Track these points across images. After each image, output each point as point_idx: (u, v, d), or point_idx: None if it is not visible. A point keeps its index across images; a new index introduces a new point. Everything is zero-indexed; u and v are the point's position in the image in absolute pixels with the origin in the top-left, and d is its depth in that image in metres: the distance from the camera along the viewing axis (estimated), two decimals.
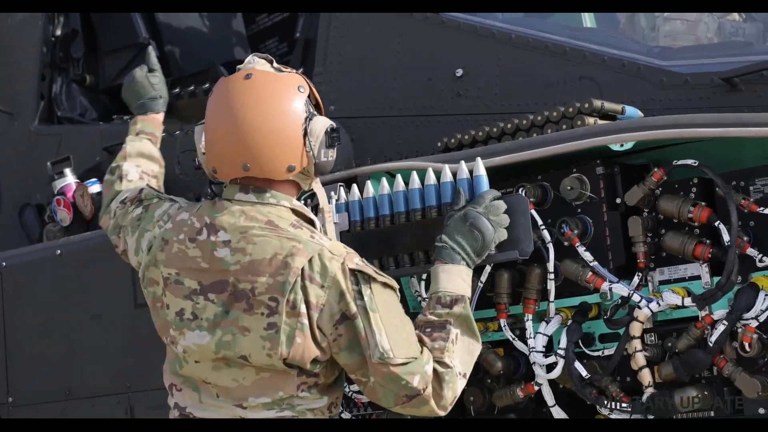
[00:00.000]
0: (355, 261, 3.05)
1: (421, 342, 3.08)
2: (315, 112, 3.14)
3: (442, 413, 3.08)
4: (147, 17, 5.75)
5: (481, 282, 3.43)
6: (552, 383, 3.43)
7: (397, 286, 3.11)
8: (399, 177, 3.46)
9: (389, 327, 3.01)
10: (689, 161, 3.25)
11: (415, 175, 3.45)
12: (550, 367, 3.39)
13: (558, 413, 3.43)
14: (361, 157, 4.32)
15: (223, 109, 3.10)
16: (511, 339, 3.45)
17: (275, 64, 3.18)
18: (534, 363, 3.41)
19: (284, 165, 3.07)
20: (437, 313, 3.12)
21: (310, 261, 2.99)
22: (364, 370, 3.04)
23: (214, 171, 3.16)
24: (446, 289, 3.15)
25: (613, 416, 3.31)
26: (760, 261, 3.18)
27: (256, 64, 3.15)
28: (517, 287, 3.45)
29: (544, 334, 3.40)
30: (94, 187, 5.04)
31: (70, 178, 5.12)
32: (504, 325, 3.45)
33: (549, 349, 3.41)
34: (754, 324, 3.16)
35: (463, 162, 3.34)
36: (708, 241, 3.23)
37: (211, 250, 3.06)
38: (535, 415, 3.55)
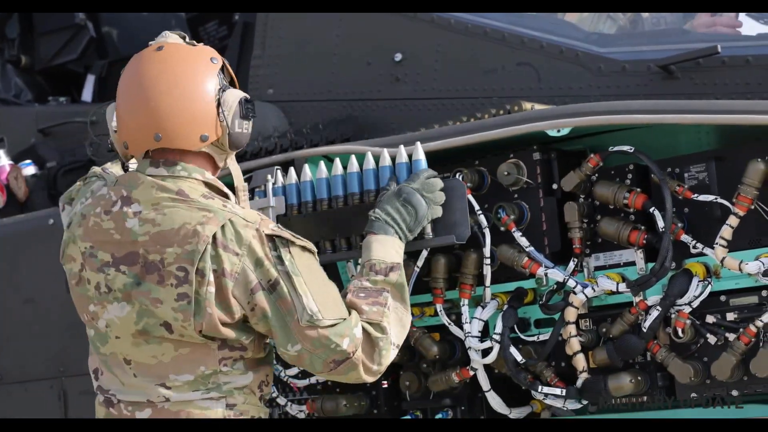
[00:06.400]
0: (270, 227, 3.00)
1: (353, 306, 3.04)
2: (228, 86, 3.07)
3: (370, 379, 3.04)
4: None
5: (418, 266, 3.42)
6: (487, 368, 3.44)
7: (315, 249, 3.07)
8: (338, 160, 3.45)
9: (314, 289, 2.97)
10: (625, 147, 3.26)
11: (353, 159, 3.43)
12: (485, 352, 3.39)
13: (493, 398, 3.44)
14: (299, 140, 4.30)
15: (133, 82, 3.03)
16: (447, 324, 3.45)
17: (188, 40, 3.12)
18: (469, 348, 3.41)
19: (197, 134, 3.00)
20: (372, 280, 3.09)
21: (222, 228, 2.93)
22: (285, 339, 2.97)
23: (126, 147, 3.06)
24: (380, 257, 3.12)
25: (547, 401, 3.33)
26: (694, 247, 3.20)
27: (168, 38, 3.11)
28: (453, 272, 3.44)
29: (480, 319, 3.40)
30: (28, 169, 5.00)
31: (3, 160, 5.07)
32: (440, 310, 3.45)
33: (485, 334, 3.41)
34: (687, 310, 3.18)
35: (402, 146, 3.33)
36: (643, 227, 3.25)
37: (123, 221, 3.00)
38: (470, 401, 3.55)
